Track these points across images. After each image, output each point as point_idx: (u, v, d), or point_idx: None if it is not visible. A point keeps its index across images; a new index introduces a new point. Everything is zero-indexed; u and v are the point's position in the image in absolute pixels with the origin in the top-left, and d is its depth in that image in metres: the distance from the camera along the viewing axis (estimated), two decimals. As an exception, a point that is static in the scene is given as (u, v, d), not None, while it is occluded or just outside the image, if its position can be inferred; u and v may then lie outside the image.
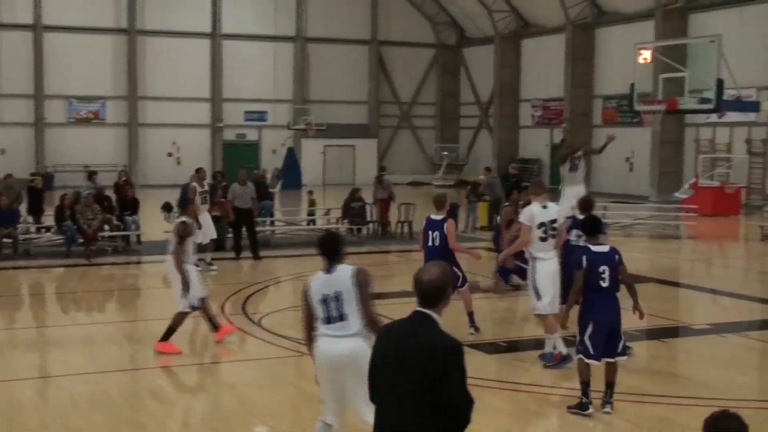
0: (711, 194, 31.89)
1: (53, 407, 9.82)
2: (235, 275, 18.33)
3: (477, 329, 12.85)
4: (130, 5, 46.64)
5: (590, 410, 9.19)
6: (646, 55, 21.19)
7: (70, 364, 11.40)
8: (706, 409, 4.38)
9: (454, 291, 12.77)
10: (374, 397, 4.97)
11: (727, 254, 24.99)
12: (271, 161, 47.39)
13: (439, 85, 54.35)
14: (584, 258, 9.24)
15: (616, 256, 9.28)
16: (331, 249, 7.24)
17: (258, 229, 21.51)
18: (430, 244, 12.44)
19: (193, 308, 11.89)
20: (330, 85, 50.56)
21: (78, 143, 45.41)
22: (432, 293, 4.82)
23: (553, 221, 11.07)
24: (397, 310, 14.59)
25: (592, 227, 9.56)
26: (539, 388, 10.31)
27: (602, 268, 9.15)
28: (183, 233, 11.73)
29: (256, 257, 20.09)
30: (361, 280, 7.11)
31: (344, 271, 7.12)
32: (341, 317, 7.07)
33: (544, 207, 11.14)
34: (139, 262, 21.04)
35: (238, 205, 20.02)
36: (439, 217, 12.52)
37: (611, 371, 9.30)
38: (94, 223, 20.65)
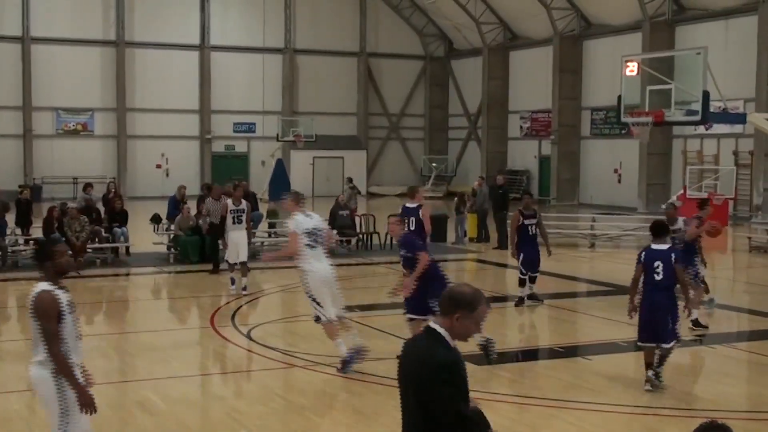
0: (699, 206, 31.95)
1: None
2: (224, 287, 18.27)
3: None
4: (119, 17, 46.65)
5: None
6: (633, 67, 21.26)
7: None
8: (694, 420, 4.40)
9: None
10: None
11: (715, 265, 25.04)
12: (260, 173, 47.45)
13: (428, 97, 54.48)
14: (643, 253, 10.61)
15: (672, 255, 10.46)
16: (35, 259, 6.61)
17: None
18: (405, 228, 13.25)
19: None
20: (319, 96, 50.63)
21: (66, 155, 45.36)
22: (446, 301, 4.74)
23: (319, 228, 11.40)
24: (385, 321, 14.62)
25: (658, 230, 10.73)
26: (525, 399, 10.32)
27: (657, 263, 10.40)
28: None
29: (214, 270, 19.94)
30: (33, 309, 6.36)
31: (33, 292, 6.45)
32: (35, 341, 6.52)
33: (307, 216, 11.51)
34: (127, 274, 21.00)
35: (213, 220, 19.71)
36: (414, 204, 13.80)
37: (659, 356, 10.42)
38: (82, 235, 20.61)
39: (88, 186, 25.28)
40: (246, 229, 17.61)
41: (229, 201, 17.71)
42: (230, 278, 17.63)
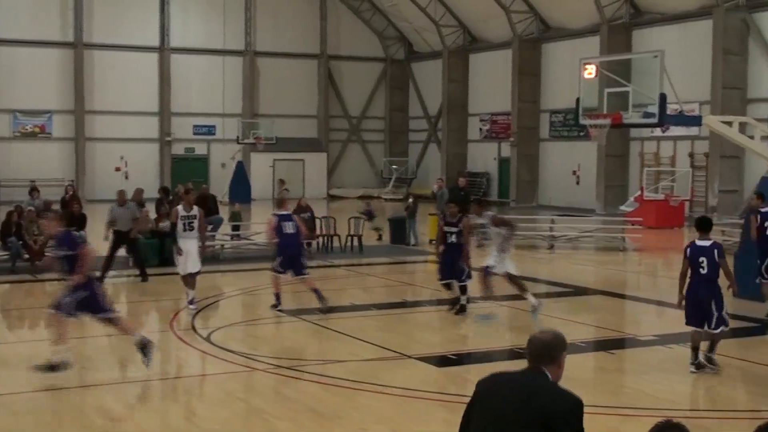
0: (655, 207, 32.38)
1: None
2: (183, 290, 18.14)
3: (325, 309, 15.26)
4: (77, 18, 46.21)
5: None
6: (591, 70, 21.42)
7: (15, 382, 11.23)
8: (652, 420, 4.47)
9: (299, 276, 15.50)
10: None
11: (672, 266, 25.31)
12: (220, 175, 47.26)
13: (388, 99, 54.57)
14: (688, 249, 11.44)
15: (716, 251, 11.30)
16: None
17: (208, 243, 20.73)
18: (286, 232, 15.54)
19: None
20: (279, 99, 50.52)
21: (24, 157, 44.81)
22: (540, 351, 4.80)
23: None
24: (344, 324, 14.62)
25: (703, 225, 11.65)
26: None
27: (701, 258, 11.28)
28: None
29: (143, 278, 19.50)
30: None
31: None
32: None
33: None
34: (86, 278, 20.76)
35: (119, 227, 19.27)
36: (285, 212, 15.96)
37: (710, 341, 11.55)
38: (40, 239, 20.40)
39: (33, 190, 24.74)
40: (199, 236, 16.25)
41: (180, 207, 16.57)
42: (192, 299, 16.18)
